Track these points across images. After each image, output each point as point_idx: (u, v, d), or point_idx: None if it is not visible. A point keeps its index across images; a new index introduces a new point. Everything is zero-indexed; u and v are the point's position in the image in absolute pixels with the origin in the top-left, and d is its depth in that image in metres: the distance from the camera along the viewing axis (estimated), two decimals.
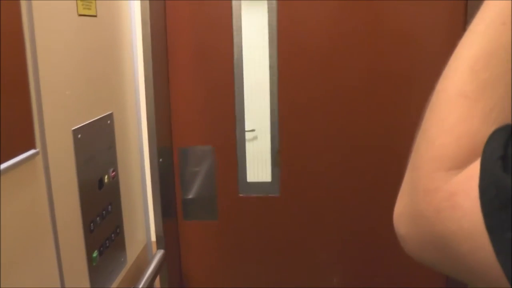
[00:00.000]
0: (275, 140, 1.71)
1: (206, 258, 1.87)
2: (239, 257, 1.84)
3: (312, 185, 1.73)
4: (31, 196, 0.97)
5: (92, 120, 1.26)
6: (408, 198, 0.47)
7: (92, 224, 1.24)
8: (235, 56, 1.65)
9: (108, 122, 1.37)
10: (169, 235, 1.73)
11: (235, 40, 1.64)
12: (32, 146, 0.96)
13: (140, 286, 1.45)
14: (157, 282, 1.76)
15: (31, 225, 0.97)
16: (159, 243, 1.70)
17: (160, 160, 1.61)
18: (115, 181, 1.40)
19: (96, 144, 1.28)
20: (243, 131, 1.71)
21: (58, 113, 1.08)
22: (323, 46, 1.61)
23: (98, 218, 1.28)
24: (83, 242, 1.20)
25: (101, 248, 1.31)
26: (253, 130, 1.78)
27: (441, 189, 0.43)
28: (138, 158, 1.66)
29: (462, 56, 0.46)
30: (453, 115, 0.44)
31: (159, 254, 1.63)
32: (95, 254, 1.26)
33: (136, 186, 1.65)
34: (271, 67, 1.65)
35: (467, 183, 0.40)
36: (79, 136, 1.17)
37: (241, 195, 1.79)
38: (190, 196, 1.80)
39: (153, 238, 1.74)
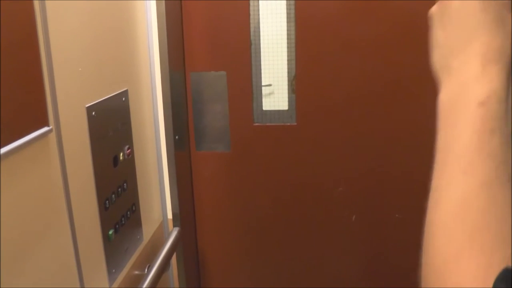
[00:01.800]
0: (292, 65, 1.66)
1: (219, 190, 1.83)
2: (253, 190, 1.80)
3: (329, 114, 1.68)
4: (45, 174, 0.96)
5: (106, 97, 1.24)
6: None
7: (107, 201, 1.24)
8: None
9: (123, 99, 1.36)
10: (180, 167, 1.70)
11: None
12: (45, 123, 0.95)
13: (156, 264, 1.45)
14: (173, 260, 1.77)
15: (45, 203, 0.96)
16: (175, 220, 1.70)
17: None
18: (130, 159, 1.40)
19: (111, 122, 1.27)
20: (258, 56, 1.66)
21: (71, 90, 1.06)
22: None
23: (113, 196, 1.28)
24: (98, 219, 1.20)
25: (117, 226, 1.30)
26: (269, 85, 1.71)
27: None
28: (153, 136, 1.64)
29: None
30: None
31: (175, 232, 1.63)
32: (110, 231, 1.26)
33: (152, 163, 1.64)
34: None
35: None
36: (93, 113, 1.16)
37: (256, 124, 1.75)
38: (202, 126, 1.77)
39: (169, 215, 1.73)
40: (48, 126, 0.96)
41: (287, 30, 1.62)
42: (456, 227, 0.41)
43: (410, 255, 1.86)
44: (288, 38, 1.62)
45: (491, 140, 0.43)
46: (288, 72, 1.66)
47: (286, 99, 1.69)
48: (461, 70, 0.49)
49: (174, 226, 1.69)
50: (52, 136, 0.98)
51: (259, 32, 1.63)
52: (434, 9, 0.55)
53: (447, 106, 0.49)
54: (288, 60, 1.64)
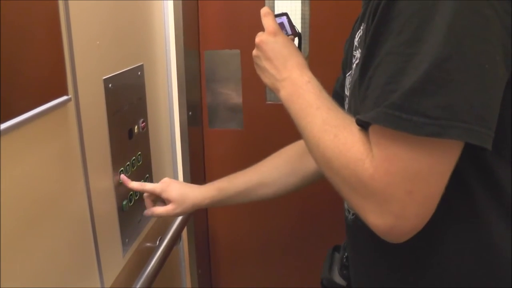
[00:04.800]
0: (305, 44, 1.68)
1: (231, 167, 1.83)
2: None
3: None
4: (64, 141, 0.99)
5: (123, 70, 1.27)
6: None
7: (122, 172, 1.27)
8: None
9: (139, 73, 1.38)
10: (193, 143, 1.74)
11: None
12: (64, 92, 0.98)
13: (168, 236, 1.49)
14: (184, 234, 1.81)
15: (63, 170, 1.00)
16: None
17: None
18: (145, 132, 1.42)
19: (127, 95, 1.30)
20: None
21: (89, 62, 1.09)
22: None
23: (128, 167, 1.31)
24: (113, 189, 1.23)
25: (131, 197, 1.34)
26: None
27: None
28: (167, 110, 1.67)
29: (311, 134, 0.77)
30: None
31: None
32: (124, 202, 1.30)
33: (166, 138, 1.67)
34: None
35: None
36: (110, 85, 1.19)
37: (269, 102, 1.76)
38: (215, 104, 1.79)
39: None
40: (67, 95, 0.98)
41: (302, 9, 1.63)
42: (329, 134, 0.72)
43: None
44: (302, 18, 1.63)
45: (321, 94, 0.80)
46: (302, 52, 1.67)
47: None
48: (290, 76, 0.86)
49: None
50: (71, 105, 1.01)
51: (273, 10, 1.64)
52: (255, 53, 0.94)
53: (290, 97, 0.84)
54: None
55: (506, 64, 0.63)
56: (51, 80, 0.94)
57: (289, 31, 1.05)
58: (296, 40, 1.06)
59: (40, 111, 0.88)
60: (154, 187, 1.21)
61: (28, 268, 0.89)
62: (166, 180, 1.23)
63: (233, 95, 1.76)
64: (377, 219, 0.65)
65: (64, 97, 0.97)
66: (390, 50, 0.64)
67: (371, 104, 0.65)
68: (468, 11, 0.60)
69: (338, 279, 1.09)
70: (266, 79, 0.93)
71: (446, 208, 0.66)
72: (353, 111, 0.79)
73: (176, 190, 1.20)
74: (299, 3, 1.62)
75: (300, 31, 1.08)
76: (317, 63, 1.67)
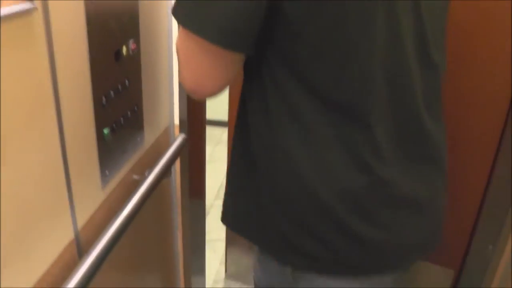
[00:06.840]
0: None
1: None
2: None
3: None
4: (28, 57, 0.84)
5: None
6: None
7: (104, 97, 1.13)
8: None
9: None
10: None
11: None
12: None
13: (156, 169, 1.38)
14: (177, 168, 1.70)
15: (28, 91, 0.86)
16: (182, 127, 1.61)
17: None
18: (135, 54, 1.27)
19: (114, 10, 1.14)
20: None
21: None
22: None
23: (112, 92, 1.17)
24: (92, 115, 1.10)
25: (114, 125, 1.21)
26: None
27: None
28: (166, 33, 1.50)
29: None
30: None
31: (180, 138, 1.54)
32: (106, 130, 1.17)
33: (162, 63, 1.51)
34: None
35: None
36: None
37: None
38: None
39: (176, 121, 1.63)
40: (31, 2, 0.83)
41: None
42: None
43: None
44: None
45: None
46: None
47: None
48: None
49: (181, 132, 1.61)
50: (37, 16, 0.85)
51: None
52: None
53: None
54: None
55: None
56: None
57: None
58: None
59: None
60: None
61: None
62: None
63: None
64: (179, 76, 0.93)
65: (27, 3, 0.81)
66: None
67: None
68: None
69: None
70: None
71: (247, 100, 0.98)
72: None
73: None
74: None
75: None
76: None
